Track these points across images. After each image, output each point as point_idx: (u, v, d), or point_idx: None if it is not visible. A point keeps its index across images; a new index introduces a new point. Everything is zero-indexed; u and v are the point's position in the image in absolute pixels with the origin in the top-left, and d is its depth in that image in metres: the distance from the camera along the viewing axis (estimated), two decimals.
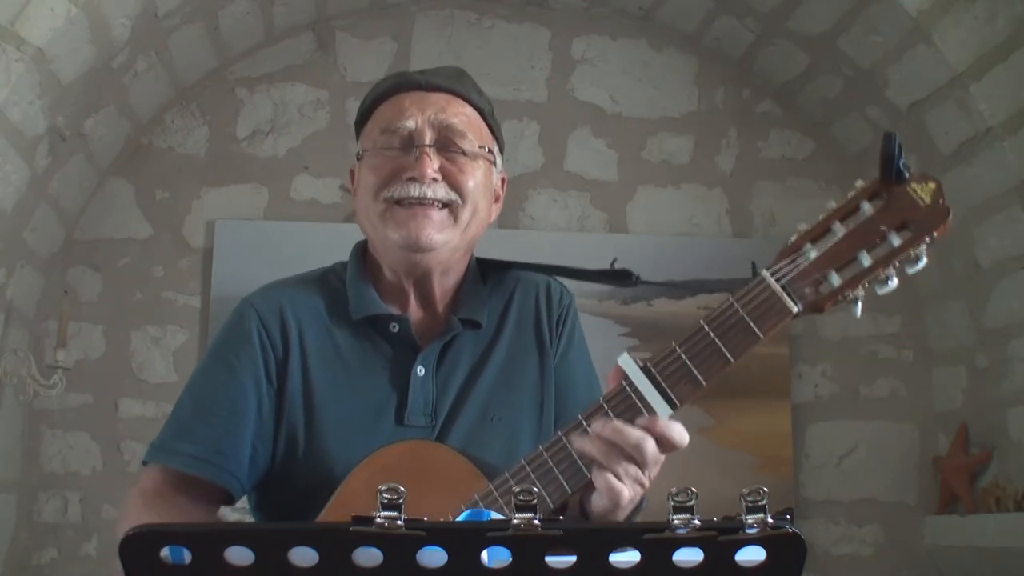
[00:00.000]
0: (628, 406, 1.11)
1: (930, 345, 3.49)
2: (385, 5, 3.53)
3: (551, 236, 3.41)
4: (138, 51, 2.95)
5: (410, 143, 1.30)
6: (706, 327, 1.11)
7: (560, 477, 1.11)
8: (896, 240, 1.11)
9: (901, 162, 1.10)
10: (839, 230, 1.12)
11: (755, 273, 1.13)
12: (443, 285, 1.35)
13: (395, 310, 1.34)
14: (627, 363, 1.12)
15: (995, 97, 2.82)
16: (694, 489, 0.73)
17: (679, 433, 1.10)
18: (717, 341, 1.10)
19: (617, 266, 1.58)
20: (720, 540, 0.73)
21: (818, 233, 1.12)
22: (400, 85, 1.35)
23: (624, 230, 3.50)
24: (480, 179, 1.32)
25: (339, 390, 1.30)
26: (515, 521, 0.72)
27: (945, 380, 3.42)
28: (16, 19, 2.47)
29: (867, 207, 1.12)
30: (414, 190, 1.27)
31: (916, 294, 3.47)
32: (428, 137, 1.30)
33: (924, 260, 1.11)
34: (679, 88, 3.62)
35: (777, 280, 1.11)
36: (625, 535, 0.75)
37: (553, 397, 1.37)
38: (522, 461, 1.13)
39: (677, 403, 1.11)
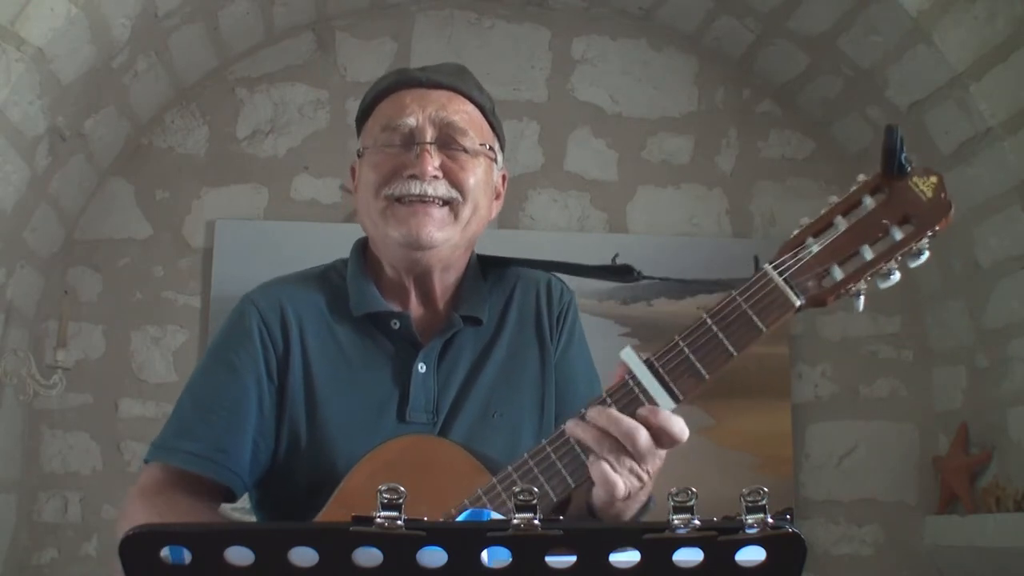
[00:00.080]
0: (631, 399, 1.10)
1: (930, 345, 3.49)
2: (385, 5, 3.53)
3: (551, 236, 3.41)
4: (138, 51, 2.95)
5: (411, 140, 1.30)
6: (709, 320, 1.11)
7: (563, 471, 1.11)
8: (898, 234, 1.11)
9: (903, 156, 1.10)
10: (841, 224, 1.12)
11: (758, 268, 1.13)
12: (444, 282, 1.35)
13: (396, 307, 1.34)
14: (630, 357, 1.12)
15: (995, 97, 2.82)
16: (694, 489, 0.73)
17: (679, 426, 1.10)
18: (720, 334, 1.10)
19: (618, 263, 1.58)
20: (720, 540, 0.73)
21: (820, 227, 1.12)
22: (401, 82, 1.35)
23: (624, 230, 3.50)
24: (481, 176, 1.32)
25: (340, 386, 1.30)
26: (515, 521, 0.71)
27: (945, 380, 3.42)
28: (16, 19, 2.47)
29: (869, 201, 1.12)
30: (415, 187, 1.27)
31: (916, 294, 3.47)
32: (429, 134, 1.30)
33: (926, 254, 1.11)
34: (679, 88, 3.62)
35: (780, 274, 1.11)
36: (625, 535, 0.75)
37: (554, 394, 1.38)
38: (525, 455, 1.13)
39: (680, 396, 1.10)
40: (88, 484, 3.19)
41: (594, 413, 1.10)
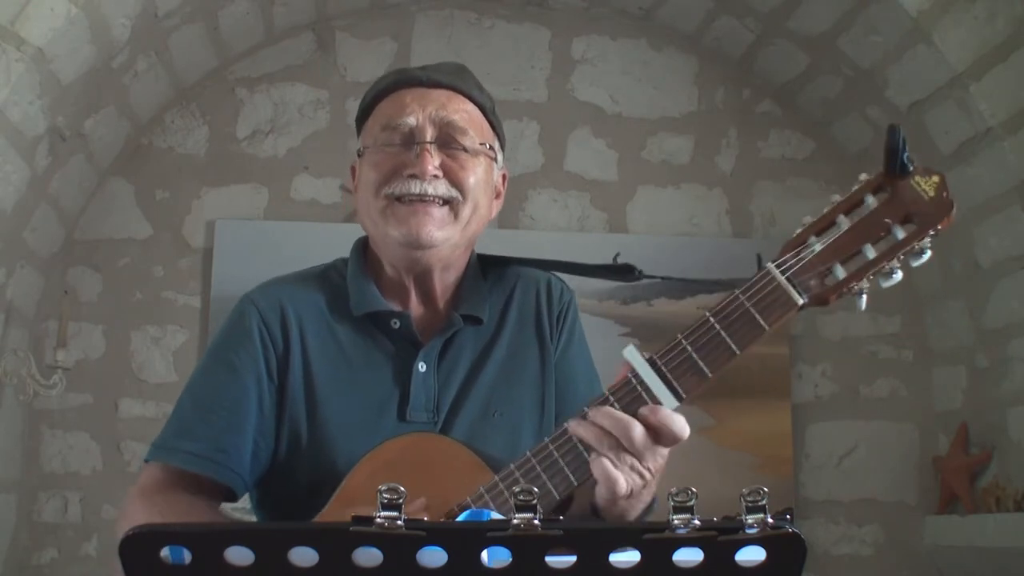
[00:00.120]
0: (634, 397, 1.10)
1: (930, 345, 3.49)
2: (385, 5, 3.53)
3: (551, 236, 3.41)
4: (138, 51, 2.95)
5: (411, 140, 1.30)
6: (711, 319, 1.11)
7: (566, 469, 1.11)
8: (901, 233, 1.11)
9: (905, 155, 1.10)
10: (844, 223, 1.12)
11: (760, 266, 1.13)
12: (444, 281, 1.35)
13: (396, 306, 1.34)
14: (633, 355, 1.12)
15: (995, 97, 2.82)
16: (694, 489, 0.73)
17: (679, 423, 1.10)
18: (722, 333, 1.10)
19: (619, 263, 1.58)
20: (720, 540, 0.73)
21: (823, 226, 1.13)
22: (401, 81, 1.35)
23: (624, 230, 3.50)
24: (481, 176, 1.32)
25: (341, 385, 1.30)
26: (515, 521, 0.71)
27: (945, 380, 3.42)
28: (16, 19, 2.47)
29: (871, 200, 1.12)
30: (415, 187, 1.27)
31: (916, 294, 3.47)
32: (429, 134, 1.30)
33: (928, 253, 1.12)
34: (679, 88, 3.62)
35: (783, 272, 1.11)
36: (625, 535, 0.75)
37: (554, 393, 1.38)
38: (528, 453, 1.13)
39: (683, 394, 1.10)
40: (88, 484, 3.19)
41: (594, 412, 1.10)
